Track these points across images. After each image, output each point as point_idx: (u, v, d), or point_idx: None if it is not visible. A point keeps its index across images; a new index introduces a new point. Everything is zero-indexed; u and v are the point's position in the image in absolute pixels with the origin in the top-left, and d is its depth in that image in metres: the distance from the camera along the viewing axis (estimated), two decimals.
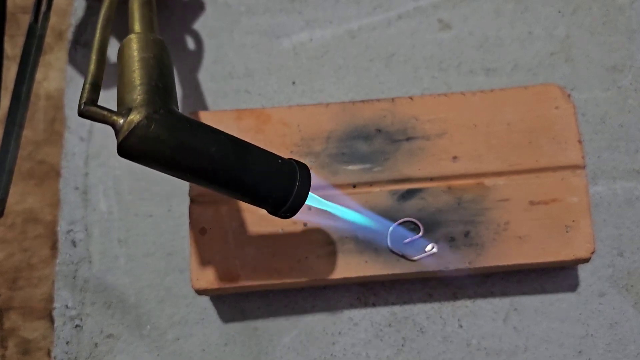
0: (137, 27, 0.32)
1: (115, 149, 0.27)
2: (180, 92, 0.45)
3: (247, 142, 0.29)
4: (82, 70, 0.46)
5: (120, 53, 0.30)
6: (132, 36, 0.30)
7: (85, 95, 0.27)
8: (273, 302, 0.41)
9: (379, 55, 0.46)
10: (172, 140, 0.26)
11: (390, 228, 0.38)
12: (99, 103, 0.27)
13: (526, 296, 0.41)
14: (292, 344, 0.40)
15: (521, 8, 0.46)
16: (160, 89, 0.27)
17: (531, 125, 0.39)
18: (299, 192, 0.29)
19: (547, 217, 0.38)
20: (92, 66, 0.28)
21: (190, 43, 0.46)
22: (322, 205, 0.33)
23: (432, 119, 0.40)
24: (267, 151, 0.29)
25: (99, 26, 0.31)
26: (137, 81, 0.27)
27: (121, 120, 0.26)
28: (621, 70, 0.45)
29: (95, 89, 0.27)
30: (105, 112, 0.26)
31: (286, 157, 0.30)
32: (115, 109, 0.27)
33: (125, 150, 0.26)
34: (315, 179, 0.35)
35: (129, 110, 0.26)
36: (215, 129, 0.28)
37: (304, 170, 0.30)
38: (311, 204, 0.32)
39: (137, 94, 0.26)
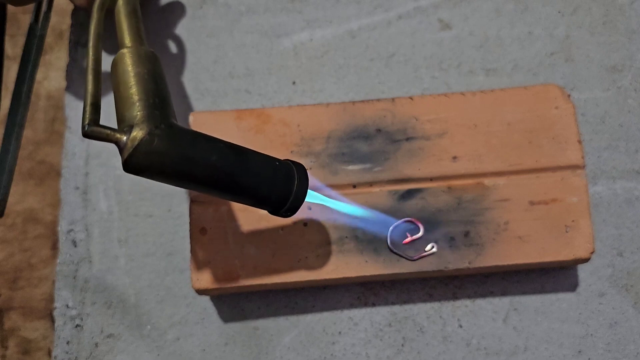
0: (127, 40, 0.34)
1: (115, 148, 0.27)
2: (180, 92, 0.45)
3: (244, 147, 0.30)
4: (83, 70, 0.46)
5: (114, 68, 0.30)
6: (125, 51, 0.31)
7: (87, 116, 0.28)
8: (273, 302, 0.41)
9: (379, 55, 0.46)
10: (175, 153, 0.27)
11: (391, 228, 0.38)
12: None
13: (526, 296, 0.41)
14: (292, 344, 0.41)
15: (521, 8, 0.46)
16: (157, 103, 0.28)
17: (531, 125, 0.39)
18: (298, 191, 0.30)
19: (547, 217, 0.38)
20: (90, 86, 0.29)
21: (191, 43, 0.46)
22: (322, 201, 0.34)
23: (432, 119, 0.40)
24: (265, 154, 0.30)
25: (90, 44, 0.32)
26: (135, 97, 0.28)
27: (124, 138, 0.27)
28: (621, 70, 0.45)
29: (96, 109, 0.28)
30: (109, 131, 0.27)
31: (286, 157, 0.30)
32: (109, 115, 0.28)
33: (131, 166, 0.27)
34: (313, 181, 0.36)
35: (131, 128, 0.27)
36: (214, 137, 0.29)
37: (301, 170, 0.31)
38: (311, 201, 0.33)
39: (137, 111, 0.28)
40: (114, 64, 0.31)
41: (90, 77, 0.30)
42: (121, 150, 0.27)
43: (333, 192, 0.38)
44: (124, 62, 0.30)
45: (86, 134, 0.27)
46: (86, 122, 0.27)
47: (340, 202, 0.36)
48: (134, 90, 0.29)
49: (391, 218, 0.38)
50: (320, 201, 0.34)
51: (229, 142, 0.29)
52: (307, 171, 0.32)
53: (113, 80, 0.30)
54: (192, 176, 0.28)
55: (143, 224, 0.43)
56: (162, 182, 0.28)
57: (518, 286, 0.41)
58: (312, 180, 0.38)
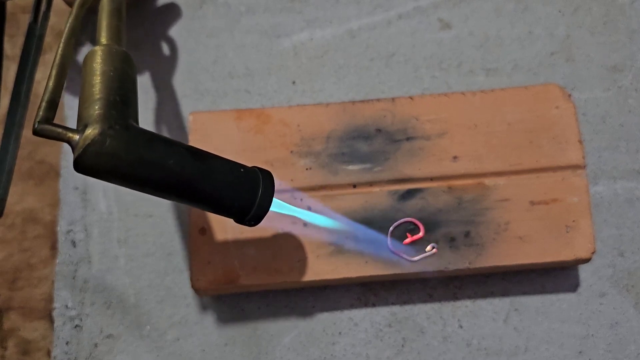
0: (103, 38, 0.32)
1: None
2: (180, 93, 0.45)
3: (207, 152, 0.29)
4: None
5: (84, 65, 0.30)
6: (97, 48, 0.30)
7: (40, 113, 0.26)
8: (273, 302, 0.41)
9: (379, 55, 0.46)
10: (128, 156, 0.26)
11: (391, 228, 0.38)
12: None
13: (527, 296, 0.41)
14: (292, 344, 0.40)
15: (521, 8, 0.46)
16: (118, 102, 0.27)
17: (531, 125, 0.39)
18: (262, 200, 0.29)
19: (548, 217, 0.38)
20: (51, 83, 0.28)
21: (190, 43, 0.46)
22: (288, 211, 0.33)
23: (433, 119, 0.40)
24: (229, 160, 0.29)
25: (62, 40, 0.30)
26: (96, 96, 0.27)
27: (77, 137, 0.26)
28: (621, 70, 0.45)
29: (51, 106, 0.27)
30: (60, 130, 0.26)
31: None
32: None
33: (81, 166, 0.26)
34: (281, 185, 0.36)
35: (85, 127, 0.26)
36: (175, 141, 0.28)
37: (267, 178, 0.30)
38: (277, 210, 0.32)
39: (94, 110, 0.26)
40: (84, 61, 0.30)
41: (53, 73, 0.28)
42: (73, 150, 0.26)
43: (312, 201, 0.38)
44: (93, 60, 0.29)
45: (36, 132, 0.26)
46: (38, 119, 0.26)
47: (307, 213, 0.35)
48: (96, 88, 0.27)
49: (357, 223, 0.37)
50: (287, 211, 0.34)
51: (191, 146, 0.28)
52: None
53: (81, 79, 0.29)
54: (146, 180, 0.27)
55: (143, 224, 0.43)
56: (116, 184, 0.27)
57: (519, 286, 0.41)
58: (287, 188, 0.37)
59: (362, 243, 0.37)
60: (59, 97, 0.28)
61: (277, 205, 0.32)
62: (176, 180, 0.27)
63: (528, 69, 0.45)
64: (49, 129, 0.26)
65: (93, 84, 0.28)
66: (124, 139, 0.26)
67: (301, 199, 0.38)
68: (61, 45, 0.30)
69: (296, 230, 0.38)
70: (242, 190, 0.29)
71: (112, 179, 0.26)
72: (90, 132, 0.25)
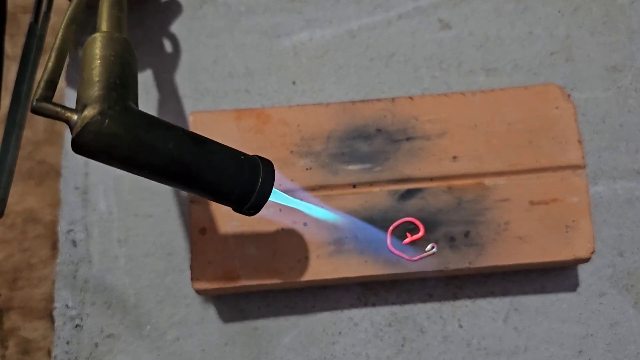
0: (103, 26, 0.32)
1: None
2: (180, 92, 0.45)
3: (206, 138, 0.28)
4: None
5: (84, 52, 0.29)
6: (97, 35, 0.30)
7: (39, 92, 0.26)
8: (273, 302, 0.41)
9: (379, 55, 0.46)
10: (127, 137, 0.26)
11: (390, 230, 0.38)
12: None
13: (526, 296, 0.41)
14: (292, 344, 0.40)
15: (521, 8, 0.46)
16: (117, 85, 0.27)
17: (531, 125, 0.39)
18: (262, 188, 0.29)
19: (548, 217, 0.38)
20: (50, 64, 0.28)
21: (191, 43, 0.46)
22: (287, 202, 0.33)
23: (432, 119, 0.40)
24: (229, 147, 0.29)
25: (62, 25, 0.30)
26: (96, 78, 0.27)
27: (75, 117, 0.25)
28: (621, 70, 0.45)
29: (50, 86, 0.27)
30: (59, 109, 0.26)
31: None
32: None
33: (79, 146, 0.25)
34: (280, 178, 0.35)
35: (84, 107, 0.26)
36: (174, 125, 0.28)
37: (268, 167, 0.30)
38: (276, 201, 0.31)
39: (94, 91, 0.26)
40: (84, 48, 0.29)
41: (52, 55, 0.28)
42: (71, 130, 0.25)
43: (305, 194, 0.38)
44: (94, 45, 0.29)
45: (34, 110, 0.26)
46: (36, 97, 0.26)
47: (307, 205, 0.35)
48: (96, 71, 0.27)
49: (356, 219, 0.37)
50: (287, 202, 0.33)
51: (191, 131, 0.28)
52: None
53: (81, 64, 0.29)
54: (145, 163, 0.26)
55: (143, 224, 0.43)
56: (113, 166, 0.26)
57: (518, 286, 0.41)
58: (284, 181, 0.37)
59: (362, 239, 0.37)
60: (58, 78, 0.28)
61: (277, 196, 0.31)
62: (175, 164, 0.27)
63: (528, 69, 0.45)
64: (47, 107, 0.26)
65: (92, 67, 0.28)
66: (123, 120, 0.26)
67: (301, 199, 0.38)
68: (61, 30, 0.30)
69: (296, 230, 0.38)
70: (242, 178, 0.28)
71: (110, 161, 0.26)
72: (89, 111, 0.25)
